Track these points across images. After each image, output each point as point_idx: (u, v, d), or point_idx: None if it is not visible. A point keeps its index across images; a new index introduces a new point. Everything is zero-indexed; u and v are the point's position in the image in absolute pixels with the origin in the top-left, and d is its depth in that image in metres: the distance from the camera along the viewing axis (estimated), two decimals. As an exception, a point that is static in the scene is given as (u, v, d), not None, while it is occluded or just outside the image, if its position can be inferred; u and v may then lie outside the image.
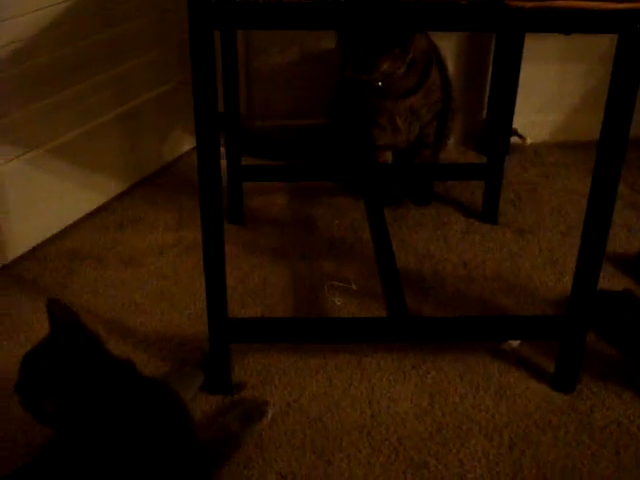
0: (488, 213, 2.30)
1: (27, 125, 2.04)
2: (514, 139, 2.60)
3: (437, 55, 2.28)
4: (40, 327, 1.87)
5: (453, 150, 2.65)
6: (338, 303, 1.97)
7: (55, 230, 2.20)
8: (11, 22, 1.91)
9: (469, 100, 2.64)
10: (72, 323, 1.38)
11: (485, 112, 2.63)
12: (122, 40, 2.26)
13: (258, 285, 2.04)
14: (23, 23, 1.94)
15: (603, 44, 2.47)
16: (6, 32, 1.91)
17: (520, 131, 2.61)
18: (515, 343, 1.82)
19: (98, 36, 2.17)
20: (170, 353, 1.81)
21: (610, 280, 2.04)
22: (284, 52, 2.57)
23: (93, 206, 2.30)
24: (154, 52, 2.39)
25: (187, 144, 2.57)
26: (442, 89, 2.29)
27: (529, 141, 2.62)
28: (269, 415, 1.63)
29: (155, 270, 2.09)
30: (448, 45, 2.45)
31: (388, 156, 2.36)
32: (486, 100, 2.62)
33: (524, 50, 2.28)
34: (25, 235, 2.11)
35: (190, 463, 1.37)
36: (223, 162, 1.80)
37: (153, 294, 2.00)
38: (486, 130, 2.61)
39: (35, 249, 2.14)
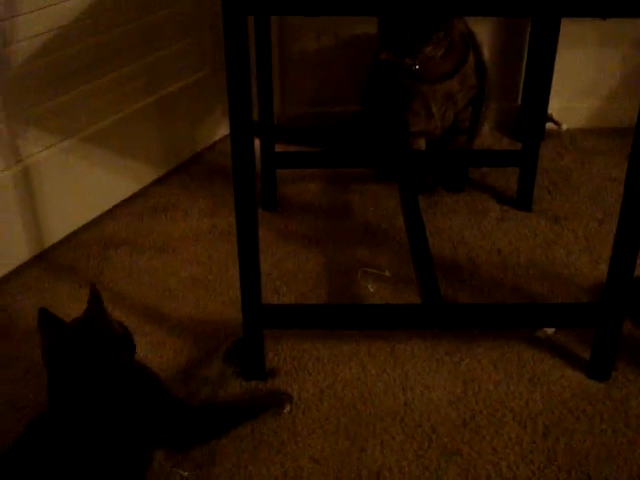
0: (523, 200, 2.28)
1: (62, 113, 2.06)
2: (549, 125, 2.58)
3: (473, 40, 2.26)
4: (75, 313, 1.88)
5: (488, 136, 2.64)
6: (372, 290, 1.97)
7: (91, 217, 2.22)
8: (45, 11, 1.93)
9: (504, 86, 2.63)
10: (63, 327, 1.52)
11: (520, 98, 2.61)
12: (156, 28, 2.27)
13: (292, 271, 2.04)
14: (57, 12, 1.96)
15: (640, 29, 2.45)
16: (41, 21, 1.92)
17: (556, 117, 2.59)
18: (550, 330, 1.81)
19: (132, 24, 2.18)
20: (204, 339, 1.82)
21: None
22: (318, 39, 2.56)
23: (128, 193, 2.32)
24: (188, 39, 2.40)
25: (221, 131, 2.58)
26: (477, 74, 2.27)
27: (565, 127, 2.60)
28: (287, 408, 1.63)
29: (189, 257, 2.10)
30: (483, 31, 2.44)
31: (422, 143, 2.35)
32: (521, 86, 2.60)
33: (560, 36, 2.27)
34: (61, 222, 2.13)
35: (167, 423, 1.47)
36: (257, 149, 1.81)
37: (187, 280, 2.01)
38: (521, 116, 2.59)
39: (71, 236, 2.16)
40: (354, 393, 1.68)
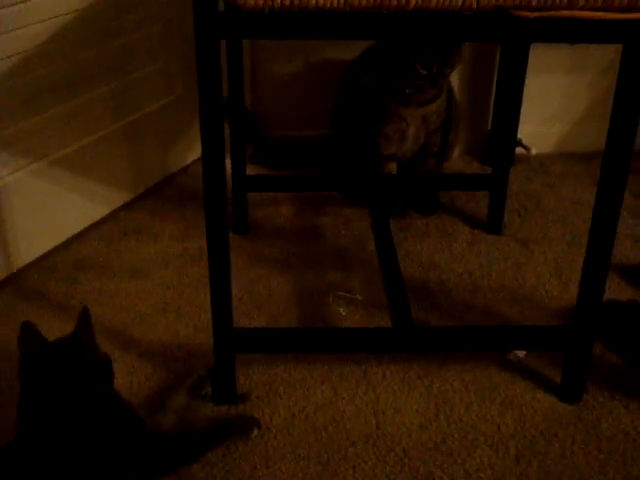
0: (493, 223, 2.29)
1: (32, 136, 2.04)
2: (519, 150, 2.60)
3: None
4: (46, 335, 1.87)
5: (458, 160, 2.66)
6: (343, 313, 1.97)
7: (60, 240, 2.20)
8: (15, 34, 1.91)
9: (474, 111, 2.65)
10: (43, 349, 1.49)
11: (490, 123, 2.63)
12: (126, 51, 2.26)
13: (263, 295, 2.03)
14: (26, 35, 1.95)
15: (608, 55, 2.48)
16: (11, 44, 1.91)
17: (525, 142, 2.61)
18: (521, 353, 1.82)
19: (102, 47, 2.17)
20: (175, 364, 1.80)
21: (616, 290, 2.03)
22: (290, 62, 2.57)
23: (98, 216, 2.31)
24: (159, 63, 2.40)
25: (192, 154, 2.58)
26: (447, 97, 2.30)
27: (534, 152, 2.62)
28: (254, 432, 1.62)
29: (160, 280, 2.09)
30: (453, 56, 2.45)
31: (393, 166, 2.36)
32: (491, 111, 2.62)
33: (529, 61, 2.29)
34: (30, 245, 2.11)
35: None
36: (228, 172, 1.80)
37: (158, 305, 2.00)
38: (491, 141, 2.61)
39: (40, 259, 2.14)
40: (326, 417, 1.67)
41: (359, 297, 2.02)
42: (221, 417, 1.67)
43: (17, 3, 1.89)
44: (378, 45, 2.24)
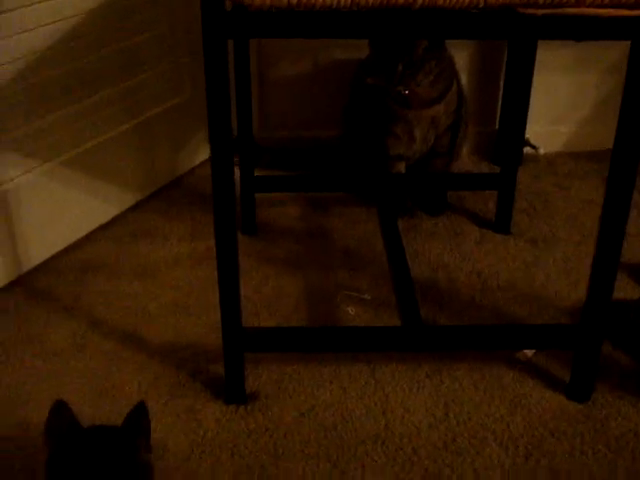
0: (501, 223, 2.29)
1: (41, 137, 2.05)
2: (527, 149, 2.60)
3: (453, 65, 2.28)
4: (53, 338, 1.88)
5: (466, 160, 2.65)
6: (352, 313, 1.97)
7: (69, 241, 2.21)
8: (25, 35, 1.92)
9: (482, 110, 2.65)
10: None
11: (498, 122, 2.63)
12: (135, 52, 2.27)
13: (272, 295, 2.04)
14: (37, 36, 1.96)
15: (615, 54, 2.48)
16: (21, 45, 1.92)
17: (533, 141, 2.61)
18: (530, 352, 1.82)
19: (111, 48, 2.18)
20: (184, 363, 1.81)
21: (625, 289, 2.03)
22: (297, 63, 2.58)
23: (107, 217, 2.31)
24: (167, 64, 2.41)
25: (200, 156, 2.58)
26: (458, 98, 2.29)
27: (542, 151, 2.62)
28: None
29: (169, 281, 2.09)
30: (460, 55, 2.45)
31: (401, 166, 2.36)
32: (499, 110, 2.62)
33: (537, 60, 2.29)
34: (39, 246, 2.12)
35: None
36: (236, 173, 1.81)
37: (167, 305, 2.00)
38: (499, 140, 2.61)
39: (49, 260, 2.15)
40: (335, 416, 1.67)
41: (367, 297, 2.02)
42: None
43: (26, 5, 1.90)
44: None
